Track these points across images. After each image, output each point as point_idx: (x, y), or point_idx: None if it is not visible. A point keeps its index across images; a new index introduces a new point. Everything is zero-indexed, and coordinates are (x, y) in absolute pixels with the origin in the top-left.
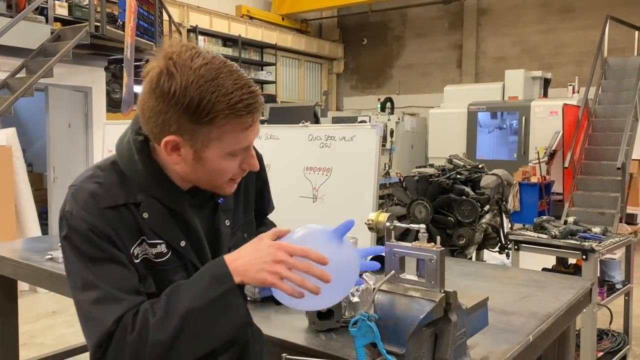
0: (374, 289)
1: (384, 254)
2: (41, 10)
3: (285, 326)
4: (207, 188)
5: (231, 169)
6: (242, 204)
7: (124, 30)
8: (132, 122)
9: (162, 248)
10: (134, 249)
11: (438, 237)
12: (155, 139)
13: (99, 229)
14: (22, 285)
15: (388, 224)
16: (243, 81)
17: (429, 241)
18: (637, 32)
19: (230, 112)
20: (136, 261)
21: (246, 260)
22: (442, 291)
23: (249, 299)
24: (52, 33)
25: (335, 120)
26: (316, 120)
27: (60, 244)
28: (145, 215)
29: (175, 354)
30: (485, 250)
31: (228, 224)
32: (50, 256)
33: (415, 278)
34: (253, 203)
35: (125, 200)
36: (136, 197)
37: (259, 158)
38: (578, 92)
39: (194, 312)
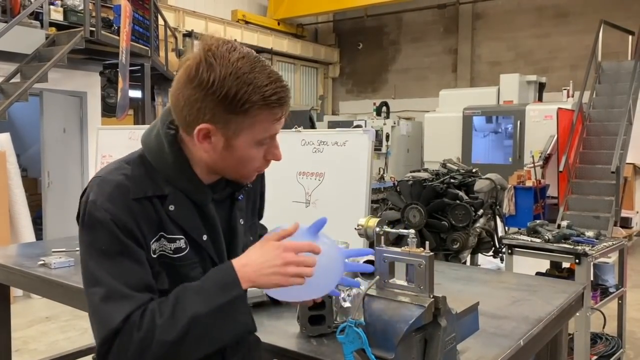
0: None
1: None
2: (36, 15)
3: (276, 331)
4: (231, 177)
5: (258, 157)
6: (251, 206)
7: (119, 35)
8: (162, 115)
9: (181, 243)
10: (152, 244)
11: (427, 243)
12: (187, 127)
13: (121, 221)
14: (16, 291)
15: (377, 229)
16: (275, 76)
17: (424, 246)
18: (630, 37)
19: (263, 103)
20: (153, 256)
21: (256, 267)
22: (432, 296)
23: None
24: (47, 38)
25: (331, 125)
26: (312, 125)
27: (78, 235)
28: (172, 207)
29: (178, 355)
30: (479, 255)
31: (242, 222)
32: (42, 262)
33: (405, 283)
34: (258, 207)
35: (152, 192)
36: (163, 189)
37: None
38: (572, 96)
39: (200, 317)
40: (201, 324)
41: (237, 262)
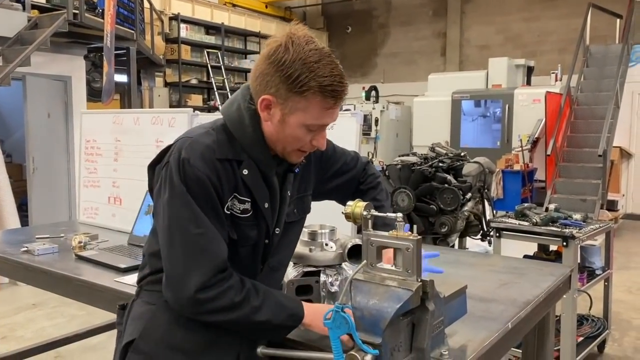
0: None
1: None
2: None
3: None
4: (280, 152)
5: (304, 139)
6: (298, 183)
7: (103, 18)
8: (241, 91)
9: (248, 206)
10: (228, 202)
11: (415, 226)
12: (256, 95)
13: (210, 178)
14: (2, 278)
15: (365, 213)
16: (337, 72)
17: (412, 229)
18: (618, 20)
19: (318, 90)
20: (227, 212)
21: (318, 320)
22: (419, 280)
23: None
24: (29, 20)
25: None
26: None
27: (161, 186)
28: (246, 172)
29: (246, 328)
30: (468, 238)
31: (289, 194)
32: (25, 248)
33: (392, 267)
34: (309, 185)
35: (232, 156)
36: (240, 155)
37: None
38: (560, 80)
39: (269, 322)
40: (267, 325)
41: (309, 306)
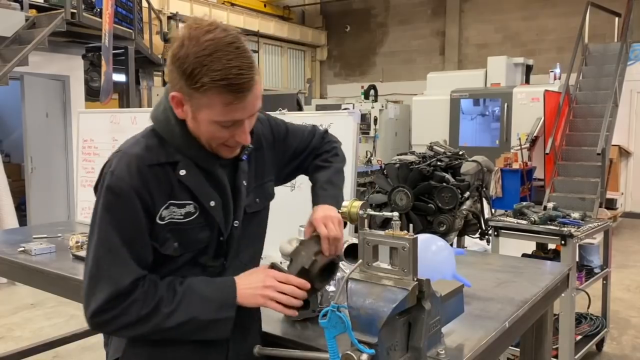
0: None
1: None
2: None
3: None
4: (209, 149)
5: (221, 136)
6: (254, 171)
7: (101, 17)
8: (165, 92)
9: (191, 208)
10: (161, 211)
11: (411, 225)
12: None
13: (136, 189)
14: (0, 278)
15: (361, 212)
16: (235, 63)
17: (409, 229)
18: (617, 19)
19: (213, 86)
20: (161, 223)
21: (243, 285)
22: (415, 279)
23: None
24: (27, 20)
25: (319, 108)
26: (299, 108)
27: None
28: (182, 172)
29: (162, 337)
30: (466, 237)
31: (245, 184)
32: (22, 248)
33: (389, 266)
34: (268, 171)
35: (165, 159)
36: (175, 157)
37: (274, 125)
38: (559, 78)
39: (195, 321)
40: (194, 324)
41: (239, 285)
